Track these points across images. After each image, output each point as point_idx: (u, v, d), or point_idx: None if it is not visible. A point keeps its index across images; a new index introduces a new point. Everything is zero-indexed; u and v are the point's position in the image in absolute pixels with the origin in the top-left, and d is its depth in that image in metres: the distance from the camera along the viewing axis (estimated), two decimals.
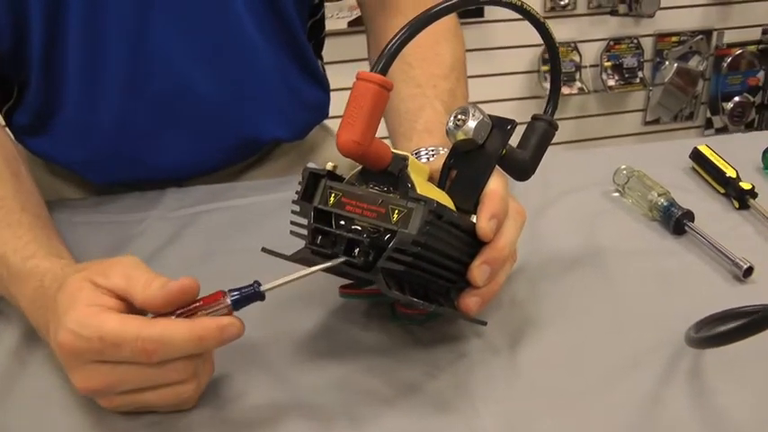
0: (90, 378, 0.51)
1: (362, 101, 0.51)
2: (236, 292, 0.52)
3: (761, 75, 2.48)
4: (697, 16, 2.43)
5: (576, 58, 2.41)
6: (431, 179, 0.60)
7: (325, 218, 0.56)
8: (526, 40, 2.30)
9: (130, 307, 0.52)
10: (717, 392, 0.56)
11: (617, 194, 0.83)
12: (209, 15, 0.81)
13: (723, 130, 2.55)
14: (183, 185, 0.89)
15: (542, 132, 0.63)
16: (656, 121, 2.56)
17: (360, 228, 0.55)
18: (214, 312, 0.52)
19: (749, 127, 2.57)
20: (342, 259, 0.53)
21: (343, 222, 0.56)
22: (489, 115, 0.59)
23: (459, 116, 0.58)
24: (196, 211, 0.83)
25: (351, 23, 2.21)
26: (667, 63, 2.44)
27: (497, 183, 0.59)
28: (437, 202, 0.52)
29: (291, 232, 0.57)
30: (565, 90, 2.41)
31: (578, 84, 2.44)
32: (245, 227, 0.80)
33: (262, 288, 0.52)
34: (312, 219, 0.56)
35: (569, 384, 0.57)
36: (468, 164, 0.60)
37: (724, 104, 2.50)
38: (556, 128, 0.63)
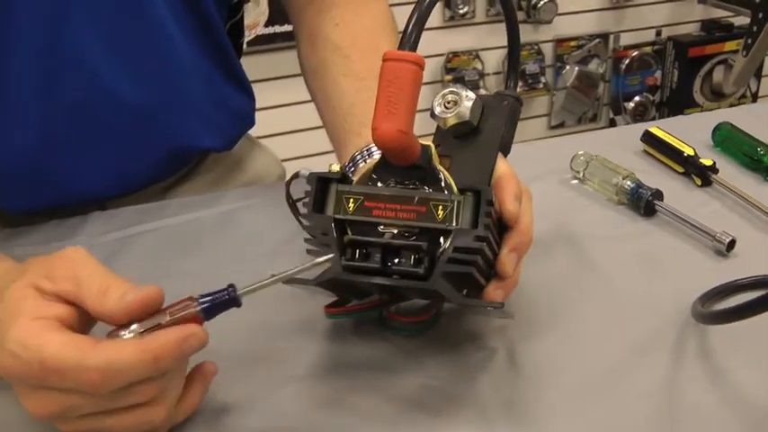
0: (41, 404, 0.44)
1: (402, 83, 0.44)
2: (206, 299, 0.44)
3: (658, 74, 2.56)
4: (593, 21, 2.49)
5: (479, 66, 2.42)
6: None
7: (340, 229, 0.49)
8: (428, 51, 2.28)
9: (83, 312, 0.45)
10: (730, 370, 0.53)
11: (576, 182, 0.80)
12: (128, 16, 0.73)
13: None
14: (106, 208, 0.80)
15: (511, 108, 0.59)
16: (561, 125, 2.60)
17: (388, 233, 0.48)
18: (180, 322, 0.44)
19: None
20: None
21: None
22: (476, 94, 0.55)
23: (449, 97, 0.53)
24: (126, 234, 0.74)
25: (250, 43, 2.13)
26: (568, 67, 2.49)
27: (505, 163, 0.54)
28: (491, 189, 0.47)
29: (308, 251, 0.50)
30: None
31: (482, 91, 2.45)
32: (184, 247, 0.72)
33: (238, 292, 0.44)
34: (335, 231, 0.48)
35: (579, 381, 0.52)
36: (465, 149, 0.54)
37: (625, 104, 2.56)
38: (521, 103, 0.60)
